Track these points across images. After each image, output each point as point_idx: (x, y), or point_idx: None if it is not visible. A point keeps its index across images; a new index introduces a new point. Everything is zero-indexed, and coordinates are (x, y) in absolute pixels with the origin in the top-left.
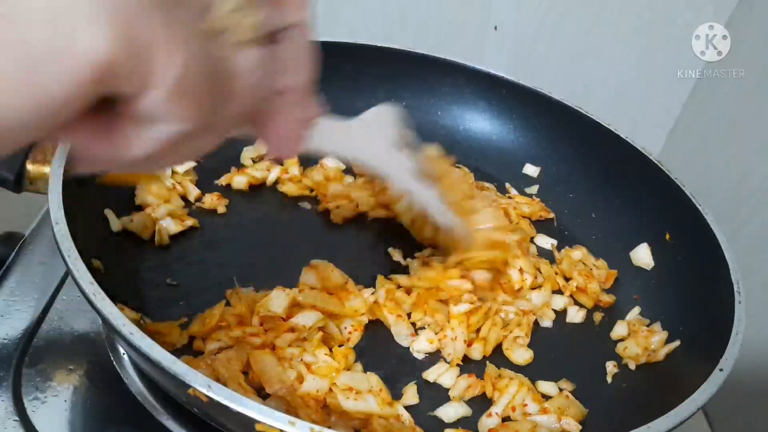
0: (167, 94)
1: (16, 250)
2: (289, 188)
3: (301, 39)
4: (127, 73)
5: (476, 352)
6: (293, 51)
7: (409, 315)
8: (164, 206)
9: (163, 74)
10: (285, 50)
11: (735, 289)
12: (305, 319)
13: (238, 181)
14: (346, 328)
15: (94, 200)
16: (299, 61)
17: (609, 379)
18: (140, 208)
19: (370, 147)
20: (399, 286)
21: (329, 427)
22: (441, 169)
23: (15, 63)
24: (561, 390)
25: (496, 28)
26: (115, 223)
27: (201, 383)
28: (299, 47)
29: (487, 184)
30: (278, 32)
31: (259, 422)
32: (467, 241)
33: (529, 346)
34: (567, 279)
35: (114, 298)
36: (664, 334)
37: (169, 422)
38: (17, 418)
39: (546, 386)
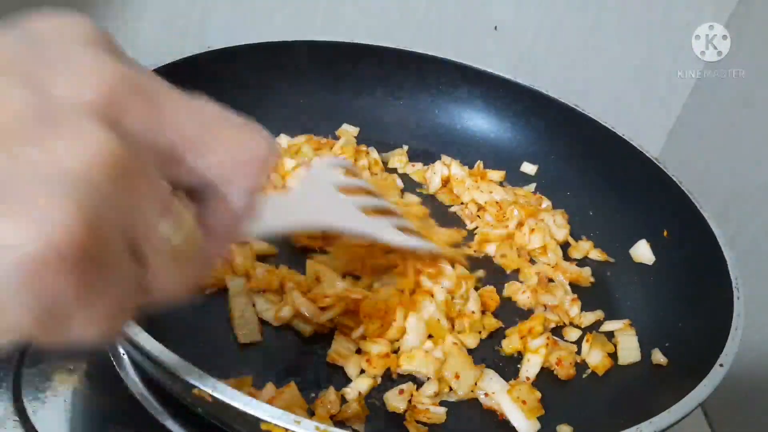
0: (99, 326)
1: None
2: None
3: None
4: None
5: None
6: (221, 223)
7: None
8: None
9: (89, 319)
10: (210, 214)
11: (733, 284)
12: None
13: None
14: None
15: None
16: (226, 230)
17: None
18: None
19: (311, 209)
20: None
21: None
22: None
23: None
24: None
25: (496, 28)
26: None
27: (206, 383)
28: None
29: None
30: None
31: (264, 422)
32: (435, 255)
33: None
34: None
35: None
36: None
37: (169, 422)
38: (17, 418)
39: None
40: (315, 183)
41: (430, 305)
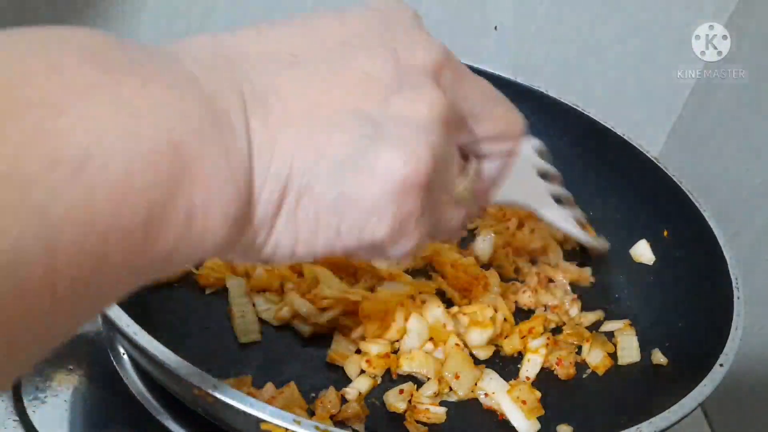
0: (408, 248)
1: None
2: None
3: (506, 163)
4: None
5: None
6: (494, 170)
7: None
8: None
9: (412, 238)
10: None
11: (734, 284)
12: None
13: None
14: None
15: None
16: (496, 182)
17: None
18: None
19: (517, 187)
20: None
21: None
22: None
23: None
24: None
25: (496, 28)
26: None
27: (206, 383)
28: (502, 169)
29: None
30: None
31: (264, 422)
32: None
33: None
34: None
35: None
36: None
37: (169, 422)
38: (17, 418)
39: None
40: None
41: (437, 309)
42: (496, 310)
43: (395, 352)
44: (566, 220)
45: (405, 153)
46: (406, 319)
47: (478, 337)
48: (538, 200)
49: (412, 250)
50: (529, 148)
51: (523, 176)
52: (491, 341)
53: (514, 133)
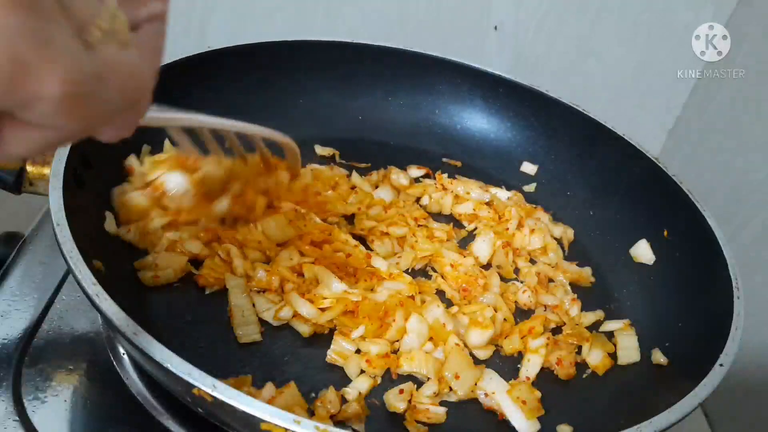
0: (53, 108)
1: (16, 250)
2: None
3: (156, 28)
4: (7, 93)
5: None
6: (153, 39)
7: None
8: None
9: (47, 91)
10: (145, 38)
11: (734, 284)
12: None
13: None
14: None
15: (94, 201)
16: (154, 50)
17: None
18: None
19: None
20: None
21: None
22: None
23: None
24: None
25: (496, 28)
26: (112, 227)
27: (206, 383)
28: (154, 36)
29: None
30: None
31: (264, 421)
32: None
33: None
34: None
35: (115, 298)
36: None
37: (169, 422)
38: (17, 418)
39: None
40: None
41: (437, 309)
42: (496, 310)
43: (395, 352)
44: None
45: None
46: (406, 319)
47: (478, 337)
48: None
49: (65, 100)
50: None
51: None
52: (491, 341)
53: None
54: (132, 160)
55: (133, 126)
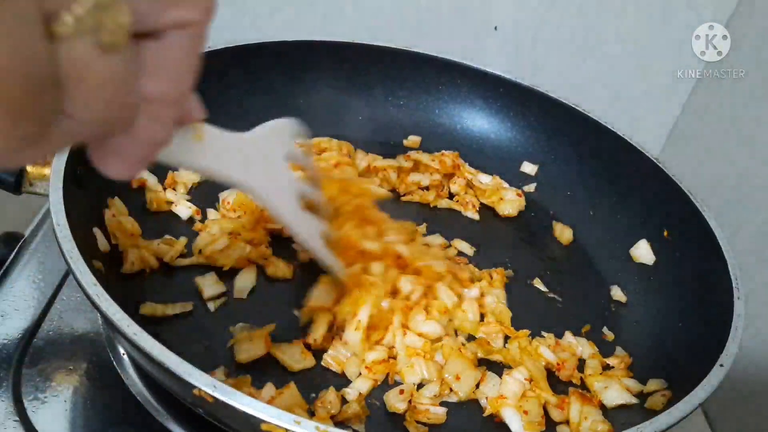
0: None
1: (16, 250)
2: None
3: (182, 42)
4: None
5: None
6: (165, 55)
7: None
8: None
9: None
10: (155, 52)
11: (734, 285)
12: None
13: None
14: None
15: (94, 201)
16: (171, 69)
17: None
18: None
19: (255, 166)
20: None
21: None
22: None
23: None
24: None
25: (496, 28)
26: (103, 244)
27: (206, 383)
28: (175, 51)
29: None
30: (155, 30)
31: (265, 422)
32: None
33: None
34: None
35: (115, 298)
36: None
37: (169, 422)
38: (17, 418)
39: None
40: (271, 139)
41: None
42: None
43: (394, 357)
44: (312, 237)
45: None
46: (403, 323)
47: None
48: (284, 202)
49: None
50: (289, 125)
51: (271, 165)
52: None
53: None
54: (144, 173)
55: (139, 160)
